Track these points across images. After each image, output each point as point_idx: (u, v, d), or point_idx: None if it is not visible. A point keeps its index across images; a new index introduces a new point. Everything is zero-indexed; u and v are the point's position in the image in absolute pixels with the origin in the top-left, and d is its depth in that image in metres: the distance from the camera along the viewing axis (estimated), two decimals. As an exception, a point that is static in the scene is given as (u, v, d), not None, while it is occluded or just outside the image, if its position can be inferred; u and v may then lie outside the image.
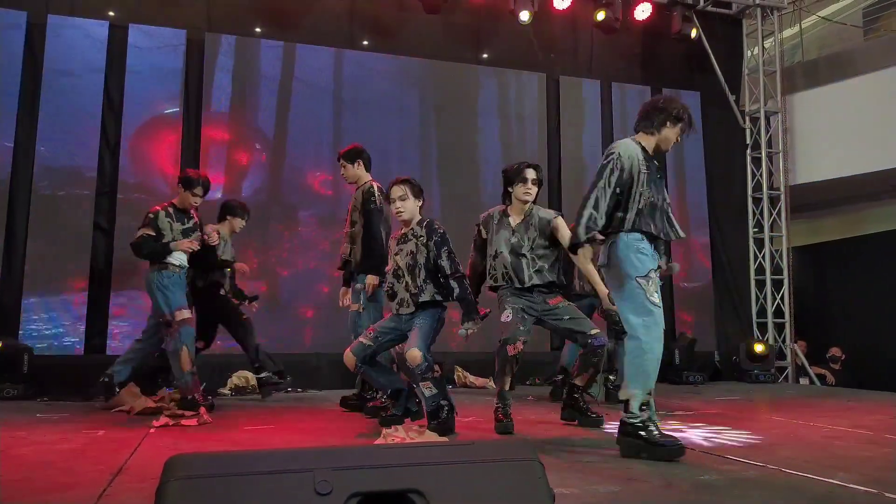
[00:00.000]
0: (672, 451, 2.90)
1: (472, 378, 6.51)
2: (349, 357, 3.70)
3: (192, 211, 4.87)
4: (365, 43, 7.30)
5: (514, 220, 3.98)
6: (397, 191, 3.78)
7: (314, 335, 6.58)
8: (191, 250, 4.70)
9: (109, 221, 6.18)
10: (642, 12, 7.66)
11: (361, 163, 4.82)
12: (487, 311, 3.81)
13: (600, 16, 7.47)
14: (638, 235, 3.11)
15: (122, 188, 6.23)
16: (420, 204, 3.83)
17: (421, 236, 3.75)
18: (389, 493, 1.39)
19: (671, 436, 3.03)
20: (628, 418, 3.02)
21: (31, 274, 5.88)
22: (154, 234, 4.64)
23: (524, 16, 7.13)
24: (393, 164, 7.19)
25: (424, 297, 3.68)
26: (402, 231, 3.86)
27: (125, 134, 6.31)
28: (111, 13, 6.47)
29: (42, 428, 3.84)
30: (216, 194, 6.15)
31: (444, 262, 3.68)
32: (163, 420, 3.99)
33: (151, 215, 4.70)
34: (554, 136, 7.77)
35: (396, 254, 3.85)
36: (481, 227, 4.11)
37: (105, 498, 2.27)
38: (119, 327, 6.06)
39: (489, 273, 3.99)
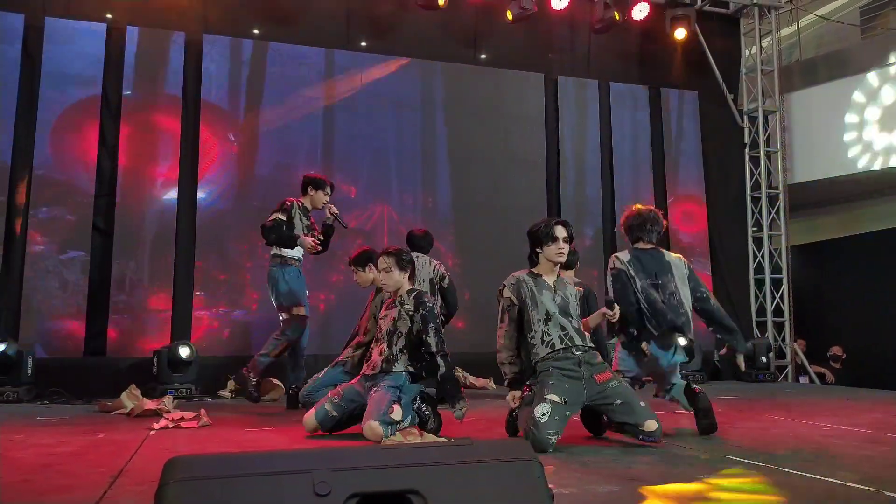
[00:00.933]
0: None
1: (472, 379, 6.51)
2: (311, 422, 3.58)
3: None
4: (363, 44, 7.30)
5: (549, 279, 3.51)
6: (382, 263, 3.76)
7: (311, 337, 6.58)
8: (313, 252, 4.81)
9: (108, 222, 6.19)
10: (640, 12, 7.67)
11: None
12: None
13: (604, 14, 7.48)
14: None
15: (120, 189, 6.23)
16: (407, 275, 3.76)
17: (407, 307, 3.67)
18: (388, 494, 1.39)
19: None
20: None
21: (30, 276, 5.88)
22: (286, 219, 4.75)
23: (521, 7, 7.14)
24: (390, 164, 7.22)
25: (397, 367, 3.57)
26: (392, 298, 3.81)
27: (123, 136, 6.32)
28: (109, 15, 6.47)
29: (42, 431, 3.84)
30: (215, 196, 6.16)
31: (431, 339, 3.57)
32: (163, 422, 3.99)
33: (288, 203, 4.82)
34: (552, 136, 7.78)
35: (381, 318, 3.79)
36: (512, 296, 3.50)
37: (105, 501, 2.27)
38: (118, 330, 6.06)
39: (540, 341, 3.38)
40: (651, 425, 3.19)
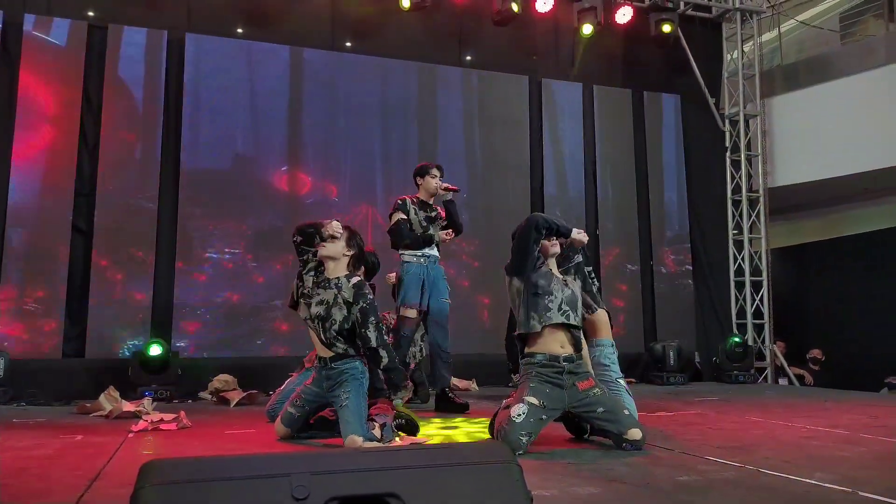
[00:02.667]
0: None
1: (454, 380, 6.50)
2: (280, 428, 3.55)
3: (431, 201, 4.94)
4: (347, 44, 7.28)
5: (554, 270, 3.51)
6: (335, 228, 3.50)
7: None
8: (447, 239, 4.80)
9: (88, 223, 6.12)
10: (623, 16, 7.72)
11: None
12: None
13: (587, 29, 7.53)
14: None
15: (100, 188, 6.17)
16: (351, 254, 3.53)
17: (345, 294, 3.44)
18: (367, 497, 1.39)
19: None
20: None
21: (8, 276, 5.81)
22: (406, 217, 4.74)
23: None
24: (375, 165, 7.20)
25: (337, 349, 3.45)
26: (325, 276, 3.54)
27: (104, 135, 6.25)
28: (90, 13, 6.41)
29: (18, 433, 3.79)
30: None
31: (371, 334, 3.40)
32: (142, 424, 3.95)
33: (401, 202, 4.80)
34: (536, 138, 7.81)
35: (310, 297, 3.53)
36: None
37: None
38: (97, 331, 6.00)
39: (530, 315, 3.32)
40: (635, 433, 3.16)
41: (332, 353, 3.45)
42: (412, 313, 4.77)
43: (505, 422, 3.13)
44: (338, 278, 3.51)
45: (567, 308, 3.34)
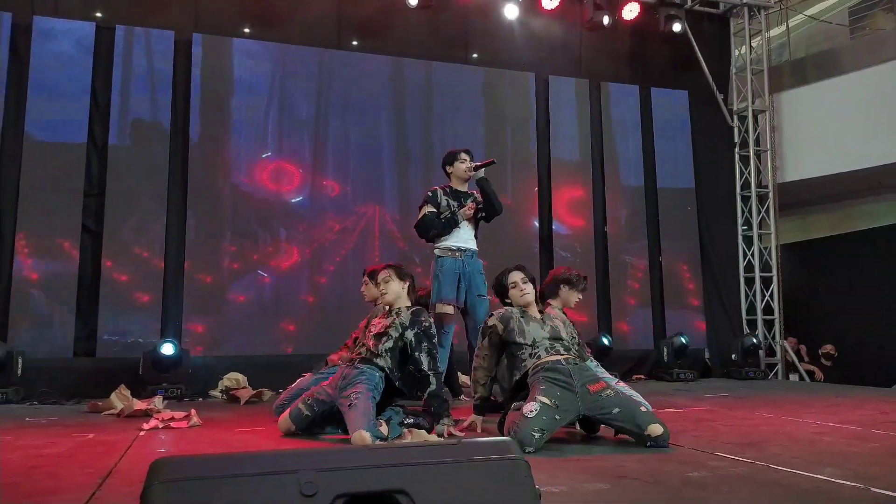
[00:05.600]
0: None
1: (463, 377, 6.50)
2: (284, 423, 3.57)
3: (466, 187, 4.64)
4: (354, 43, 7.29)
5: (534, 313, 3.65)
6: (383, 274, 3.76)
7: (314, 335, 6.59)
8: (470, 214, 4.49)
9: (97, 223, 6.16)
10: (630, 12, 7.70)
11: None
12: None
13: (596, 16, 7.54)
14: None
15: (109, 189, 6.20)
16: (406, 287, 3.74)
17: (402, 319, 3.61)
18: (374, 494, 1.39)
19: None
20: None
21: (19, 276, 5.85)
22: (436, 209, 4.47)
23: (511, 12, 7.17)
24: (382, 164, 7.21)
25: (378, 362, 3.51)
26: (387, 311, 3.74)
27: (112, 135, 6.29)
28: (98, 14, 6.44)
29: (30, 432, 3.82)
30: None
31: (423, 358, 3.51)
32: (152, 423, 3.97)
33: (430, 193, 4.56)
34: (543, 136, 7.79)
35: (367, 327, 3.77)
36: (499, 324, 3.60)
37: (93, 502, 2.26)
38: (108, 330, 6.03)
39: (529, 355, 3.44)
40: (656, 429, 3.11)
41: (365, 356, 3.53)
42: (449, 309, 4.46)
43: (517, 419, 3.14)
44: (398, 308, 3.71)
45: (550, 345, 3.46)
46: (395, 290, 3.72)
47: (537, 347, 3.46)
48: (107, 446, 3.31)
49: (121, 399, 4.66)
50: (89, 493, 2.36)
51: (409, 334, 3.57)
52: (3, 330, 5.73)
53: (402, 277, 3.74)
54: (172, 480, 1.31)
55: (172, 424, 3.97)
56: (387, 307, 3.78)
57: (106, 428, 3.97)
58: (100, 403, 4.74)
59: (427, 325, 3.61)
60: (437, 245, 4.52)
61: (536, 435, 3.06)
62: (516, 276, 3.72)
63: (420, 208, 4.57)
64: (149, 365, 5.60)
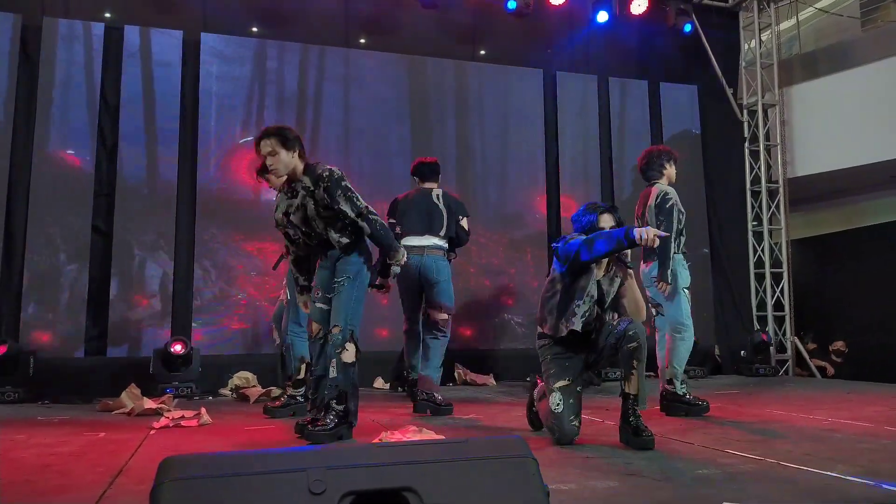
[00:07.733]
0: (704, 408, 4.16)
1: (472, 375, 6.52)
2: (315, 326, 3.46)
3: None
4: (362, 41, 7.30)
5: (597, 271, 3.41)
6: (264, 147, 3.31)
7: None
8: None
9: (108, 224, 6.19)
10: (638, 6, 7.66)
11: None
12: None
13: (602, 17, 7.53)
14: (681, 256, 4.45)
15: (119, 189, 6.24)
16: (296, 153, 3.35)
17: (308, 186, 3.30)
18: (383, 492, 1.40)
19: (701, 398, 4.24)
20: (674, 390, 4.20)
21: (30, 276, 5.89)
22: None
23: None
24: (389, 161, 7.20)
25: (343, 242, 3.33)
26: (286, 183, 3.41)
27: (122, 136, 6.32)
28: (107, 15, 6.47)
29: (42, 431, 3.85)
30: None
31: (345, 206, 3.27)
32: (163, 421, 4.00)
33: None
34: (551, 132, 7.77)
35: (286, 213, 3.40)
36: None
37: (104, 500, 2.28)
38: (119, 329, 6.07)
39: (560, 320, 3.29)
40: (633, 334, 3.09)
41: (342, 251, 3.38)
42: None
43: (550, 417, 3.23)
44: (299, 180, 3.38)
45: (589, 315, 3.27)
46: (285, 161, 3.33)
47: (584, 304, 3.24)
48: (117, 445, 3.34)
49: (131, 398, 4.69)
50: (100, 491, 2.38)
51: (319, 192, 3.28)
52: (15, 329, 5.77)
53: (287, 145, 3.32)
54: (182, 479, 1.32)
55: (183, 423, 3.99)
56: (285, 186, 3.44)
57: (117, 427, 4.00)
58: (111, 402, 4.77)
59: (327, 173, 3.30)
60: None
61: (576, 423, 3.20)
62: (608, 221, 3.54)
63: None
64: (159, 364, 5.62)
